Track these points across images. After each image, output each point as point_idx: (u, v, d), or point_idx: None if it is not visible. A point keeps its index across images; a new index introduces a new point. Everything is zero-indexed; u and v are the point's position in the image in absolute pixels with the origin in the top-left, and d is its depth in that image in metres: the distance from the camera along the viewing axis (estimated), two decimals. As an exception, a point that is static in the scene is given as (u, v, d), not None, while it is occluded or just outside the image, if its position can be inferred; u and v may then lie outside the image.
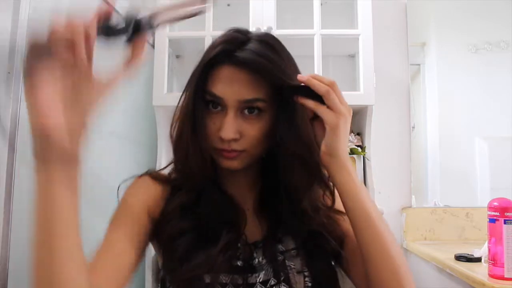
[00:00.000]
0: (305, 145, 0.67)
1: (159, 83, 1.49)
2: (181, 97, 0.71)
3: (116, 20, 0.53)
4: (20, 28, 0.75)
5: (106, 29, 0.51)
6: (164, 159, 1.48)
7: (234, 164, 0.68)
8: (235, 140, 0.66)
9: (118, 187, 0.74)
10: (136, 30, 0.53)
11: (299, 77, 0.65)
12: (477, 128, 1.81)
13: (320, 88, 0.63)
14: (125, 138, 1.34)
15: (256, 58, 0.65)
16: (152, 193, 0.72)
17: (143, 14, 0.53)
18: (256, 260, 0.70)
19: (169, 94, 1.50)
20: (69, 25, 0.48)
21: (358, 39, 1.53)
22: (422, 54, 1.85)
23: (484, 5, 1.82)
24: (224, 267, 0.66)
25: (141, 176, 0.75)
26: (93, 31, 0.49)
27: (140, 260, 0.68)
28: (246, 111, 0.67)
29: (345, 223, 0.71)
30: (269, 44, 0.68)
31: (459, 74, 1.85)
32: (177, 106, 0.72)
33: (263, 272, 0.68)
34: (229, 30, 0.70)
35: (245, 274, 0.68)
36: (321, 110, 0.64)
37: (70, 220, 0.49)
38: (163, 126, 1.52)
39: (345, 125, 0.64)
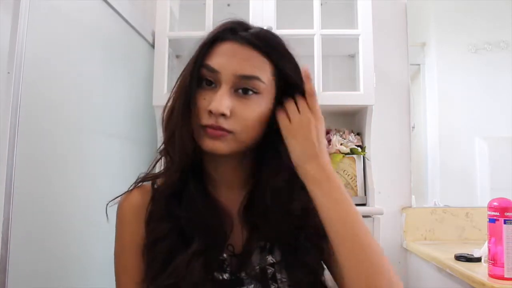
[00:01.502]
0: None
1: (159, 83, 1.49)
2: (181, 74, 0.69)
3: None
4: (20, 28, 0.75)
5: None
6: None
7: (217, 145, 0.62)
8: (224, 116, 0.61)
9: (106, 208, 0.70)
10: None
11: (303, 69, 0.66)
12: (477, 128, 1.81)
13: (310, 85, 0.64)
14: (125, 138, 1.34)
15: (260, 37, 0.65)
16: (141, 217, 0.68)
17: None
18: (244, 272, 0.65)
19: (169, 94, 1.49)
20: None
21: (358, 39, 1.53)
22: (422, 54, 1.85)
23: (484, 5, 1.82)
24: (208, 282, 0.62)
25: (123, 200, 0.71)
26: None
27: None
28: (240, 91, 0.63)
29: None
30: (271, 32, 0.70)
31: (459, 74, 1.85)
32: (176, 83, 0.69)
33: (252, 286, 0.65)
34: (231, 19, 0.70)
35: (232, 287, 0.64)
36: (292, 106, 0.65)
37: None
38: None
39: (307, 128, 0.63)
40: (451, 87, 1.85)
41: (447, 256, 1.29)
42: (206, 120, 0.62)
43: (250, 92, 0.64)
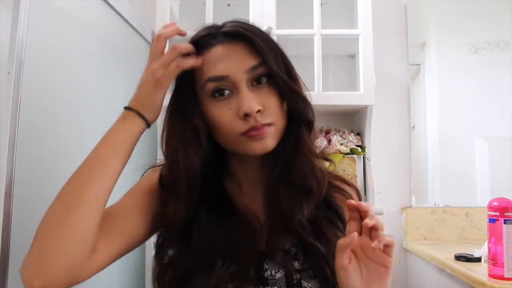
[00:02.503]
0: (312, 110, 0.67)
1: (159, 83, 1.49)
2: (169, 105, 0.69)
3: None
4: (20, 28, 0.75)
5: None
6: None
7: (267, 142, 0.62)
8: (259, 113, 0.60)
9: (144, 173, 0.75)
10: None
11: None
12: (477, 128, 1.81)
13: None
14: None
15: (242, 27, 0.64)
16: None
17: None
18: (269, 272, 0.64)
19: (169, 94, 1.49)
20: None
21: (358, 39, 1.53)
22: (422, 54, 1.85)
23: (484, 5, 1.82)
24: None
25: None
26: None
27: (147, 234, 0.67)
28: (255, 83, 0.63)
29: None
30: (244, 20, 0.68)
31: (459, 74, 1.85)
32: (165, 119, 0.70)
33: (276, 287, 0.63)
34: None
35: (256, 285, 0.63)
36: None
37: (117, 169, 0.60)
38: (163, 126, 1.52)
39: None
40: (451, 87, 1.85)
41: (447, 256, 1.29)
42: (244, 125, 0.61)
43: (264, 80, 0.63)
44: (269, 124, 0.62)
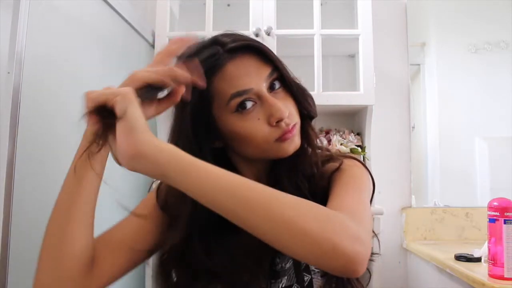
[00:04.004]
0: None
1: (159, 83, 1.49)
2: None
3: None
4: (20, 28, 0.75)
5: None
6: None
7: (297, 141, 0.65)
8: (287, 116, 0.64)
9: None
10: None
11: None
12: (477, 128, 1.81)
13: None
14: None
15: (246, 39, 0.65)
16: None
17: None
18: (280, 265, 0.66)
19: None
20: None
21: (358, 39, 1.53)
22: (422, 54, 1.85)
23: (484, 5, 1.82)
24: None
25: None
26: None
27: (151, 251, 0.69)
28: (270, 89, 0.65)
29: None
30: (236, 32, 0.69)
31: (459, 74, 1.85)
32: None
33: (286, 277, 0.66)
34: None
35: (268, 279, 0.65)
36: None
37: (96, 186, 0.61)
38: (163, 126, 1.52)
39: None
40: (451, 87, 1.85)
41: (447, 256, 1.28)
42: (276, 132, 0.63)
43: (277, 85, 0.66)
44: (295, 124, 0.65)
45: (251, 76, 0.63)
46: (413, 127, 1.77)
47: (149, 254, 0.69)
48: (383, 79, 1.68)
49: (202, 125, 0.64)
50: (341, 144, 1.53)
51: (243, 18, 1.53)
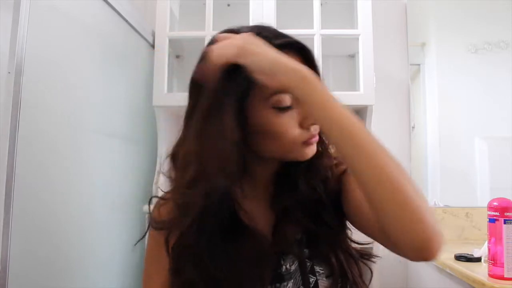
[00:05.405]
0: None
1: (159, 83, 1.49)
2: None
3: None
4: (21, 28, 0.75)
5: None
6: (164, 159, 1.48)
7: (315, 147, 0.66)
8: None
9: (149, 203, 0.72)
10: None
11: None
12: (477, 128, 1.80)
13: None
14: (125, 138, 1.34)
15: (292, 38, 0.65)
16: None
17: None
18: (284, 267, 0.66)
19: (169, 94, 1.50)
20: None
21: (358, 39, 1.53)
22: (422, 54, 1.85)
23: (484, 5, 1.82)
24: None
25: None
26: None
27: None
28: None
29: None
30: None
31: (459, 74, 1.85)
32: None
33: (292, 280, 0.65)
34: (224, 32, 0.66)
35: (274, 283, 0.64)
36: None
37: None
38: (163, 126, 1.52)
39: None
40: (451, 87, 1.85)
41: (447, 256, 1.28)
42: (306, 135, 0.63)
43: None
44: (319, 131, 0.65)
45: None
46: (413, 127, 1.77)
47: None
48: (383, 79, 1.68)
49: (234, 110, 0.60)
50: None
51: (243, 18, 1.53)
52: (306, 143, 0.64)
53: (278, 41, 0.63)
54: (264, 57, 0.58)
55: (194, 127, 0.62)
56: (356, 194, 0.65)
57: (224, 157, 0.59)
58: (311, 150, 0.65)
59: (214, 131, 0.59)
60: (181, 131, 0.67)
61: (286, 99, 0.61)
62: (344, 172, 0.70)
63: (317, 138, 0.65)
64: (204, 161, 0.60)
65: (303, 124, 0.63)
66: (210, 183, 0.59)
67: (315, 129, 0.64)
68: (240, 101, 0.60)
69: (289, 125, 0.62)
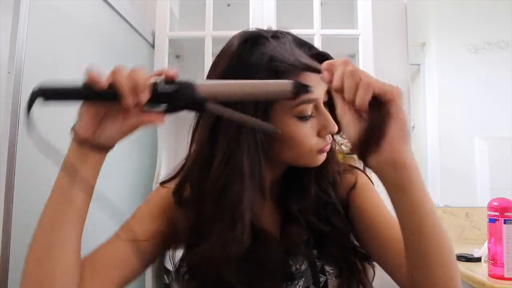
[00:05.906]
0: None
1: (159, 83, 1.49)
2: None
3: (167, 88, 0.51)
4: (21, 28, 0.75)
5: (155, 92, 0.51)
6: (164, 159, 1.48)
7: (325, 155, 0.67)
8: None
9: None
10: (180, 105, 0.52)
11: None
12: (477, 128, 1.80)
13: None
14: (125, 138, 1.34)
15: (316, 48, 0.67)
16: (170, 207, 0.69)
17: (197, 93, 0.50)
18: (294, 267, 0.67)
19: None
20: (132, 76, 0.51)
21: (358, 39, 1.53)
22: (422, 54, 1.85)
23: (484, 5, 1.82)
24: None
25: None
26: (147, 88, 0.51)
27: (144, 267, 0.68)
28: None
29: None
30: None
31: (459, 74, 1.85)
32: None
33: (303, 279, 0.66)
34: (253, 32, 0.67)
35: (285, 282, 0.66)
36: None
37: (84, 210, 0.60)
38: (163, 126, 1.52)
39: None
40: (451, 87, 1.85)
41: (447, 256, 1.28)
42: (322, 143, 0.65)
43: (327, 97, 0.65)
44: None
45: (320, 86, 0.62)
46: (413, 127, 1.77)
47: (145, 268, 0.69)
48: (383, 79, 1.67)
49: (260, 118, 0.60)
50: (341, 144, 1.53)
51: (243, 18, 1.53)
52: (321, 151, 0.65)
53: (311, 52, 0.66)
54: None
55: (224, 133, 0.61)
56: (382, 231, 0.66)
57: (254, 164, 0.60)
58: (323, 157, 0.67)
59: (244, 139, 0.60)
60: (203, 139, 0.64)
61: (309, 109, 0.62)
62: (353, 186, 0.73)
63: (329, 146, 0.67)
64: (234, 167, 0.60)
65: (321, 133, 0.64)
66: (241, 190, 0.60)
67: (330, 138, 0.66)
68: (266, 109, 0.61)
69: (308, 134, 0.64)
